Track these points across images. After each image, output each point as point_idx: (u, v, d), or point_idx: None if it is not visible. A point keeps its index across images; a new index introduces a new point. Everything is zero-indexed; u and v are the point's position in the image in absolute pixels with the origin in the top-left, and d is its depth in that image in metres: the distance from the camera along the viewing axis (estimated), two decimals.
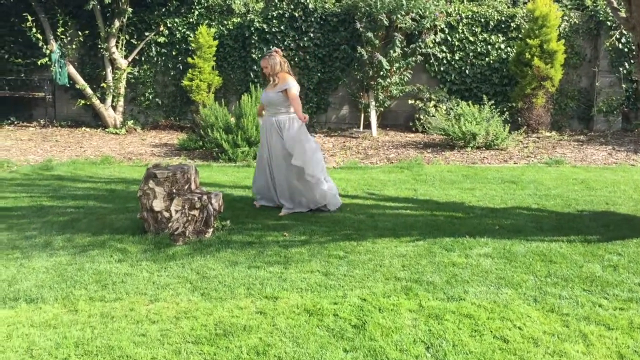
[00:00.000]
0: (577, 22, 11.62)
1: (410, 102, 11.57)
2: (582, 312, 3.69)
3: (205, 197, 5.07)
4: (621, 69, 11.47)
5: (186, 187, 5.12)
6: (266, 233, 5.16)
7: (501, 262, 4.45)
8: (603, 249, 4.74)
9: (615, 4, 5.35)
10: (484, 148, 9.74)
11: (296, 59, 11.64)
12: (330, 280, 4.15)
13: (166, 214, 4.95)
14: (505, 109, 10.97)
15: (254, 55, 11.62)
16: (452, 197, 6.56)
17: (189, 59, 11.45)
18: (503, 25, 11.64)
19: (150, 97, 12.26)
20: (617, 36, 11.36)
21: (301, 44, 11.60)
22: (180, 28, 11.98)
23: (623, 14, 5.36)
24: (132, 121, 12.05)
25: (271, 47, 11.55)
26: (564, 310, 3.72)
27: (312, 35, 11.59)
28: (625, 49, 11.38)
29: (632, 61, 11.41)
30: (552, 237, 5.07)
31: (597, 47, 11.62)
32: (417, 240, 4.97)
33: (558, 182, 7.38)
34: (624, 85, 11.52)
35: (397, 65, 11.18)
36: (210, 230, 5.07)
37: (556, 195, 6.67)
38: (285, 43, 11.60)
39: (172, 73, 12.15)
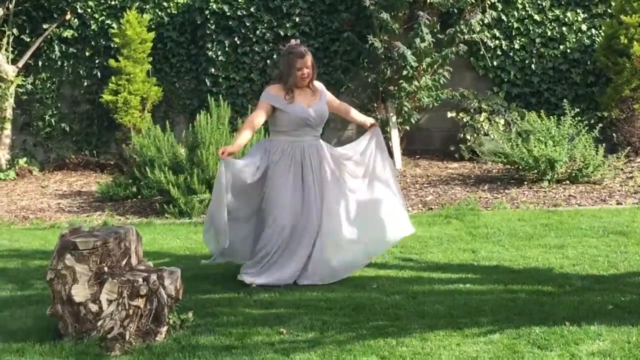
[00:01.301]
0: None
1: (450, 114, 11.50)
2: None
3: (154, 277, 4.88)
4: None
5: (124, 262, 4.95)
6: (252, 330, 4.98)
7: None
8: None
9: None
10: (567, 182, 9.64)
11: (275, 56, 11.56)
12: None
13: (94, 307, 4.76)
14: (592, 121, 10.90)
15: (210, 53, 11.57)
16: (532, 261, 6.44)
17: (112, 62, 11.36)
18: None
19: (53, 121, 12.12)
20: None
21: (282, 33, 11.54)
22: (96, 15, 11.92)
23: None
24: (25, 159, 11.91)
25: (246, 38, 11.49)
26: None
27: (297, 19, 11.56)
28: None
29: None
30: None
31: None
32: (489, 332, 4.80)
33: None
34: None
35: (427, 60, 11.14)
36: (164, 329, 4.88)
37: None
38: (259, 32, 11.53)
39: (85, 84, 12.05)
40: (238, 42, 11.59)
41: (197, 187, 8.86)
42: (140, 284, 4.79)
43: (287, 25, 11.56)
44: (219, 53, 11.56)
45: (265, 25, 11.57)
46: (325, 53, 11.75)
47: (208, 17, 11.59)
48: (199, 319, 5.16)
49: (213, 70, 11.60)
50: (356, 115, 6.55)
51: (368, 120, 6.47)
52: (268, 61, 11.57)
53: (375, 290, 5.78)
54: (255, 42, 11.57)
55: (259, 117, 6.02)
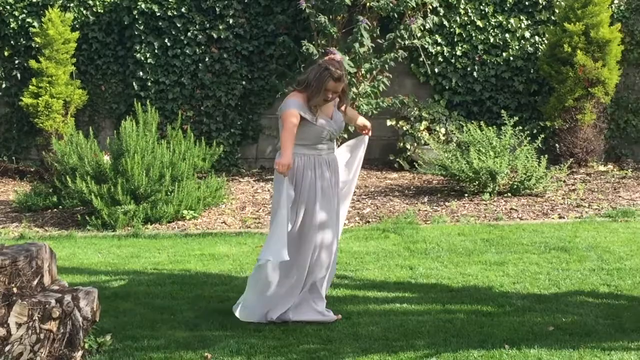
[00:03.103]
0: None
1: (389, 123, 11.51)
2: None
3: (68, 298, 4.75)
4: None
5: (35, 282, 4.81)
6: (174, 354, 4.92)
7: None
8: None
9: None
10: (509, 194, 9.72)
11: (207, 60, 11.47)
12: None
13: (1, 331, 4.60)
14: (535, 131, 11.02)
15: (138, 55, 11.44)
16: (471, 279, 6.47)
17: (32, 63, 11.18)
18: (527, 3, 11.81)
19: None
20: None
21: (215, 36, 11.47)
22: (16, 13, 11.68)
23: None
24: None
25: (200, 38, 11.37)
26: None
27: (231, 21, 11.50)
28: None
29: None
30: None
31: None
32: (426, 356, 4.79)
33: (632, 247, 7.39)
34: None
35: (367, 66, 11.14)
36: (79, 354, 4.77)
37: (633, 269, 6.65)
38: (190, 34, 11.45)
39: (3, 85, 11.84)
40: (168, 44, 11.47)
41: (121, 198, 8.78)
42: (53, 305, 4.66)
43: (221, 27, 11.48)
44: (148, 55, 11.43)
45: (197, 26, 11.47)
46: (260, 57, 11.70)
47: (136, 17, 11.44)
48: (118, 342, 5.08)
49: (141, 73, 11.46)
50: (359, 117, 6.07)
51: (367, 124, 6.03)
52: (200, 64, 11.47)
53: None
54: (187, 44, 11.46)
55: (295, 126, 5.48)
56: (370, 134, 6.09)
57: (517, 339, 5.02)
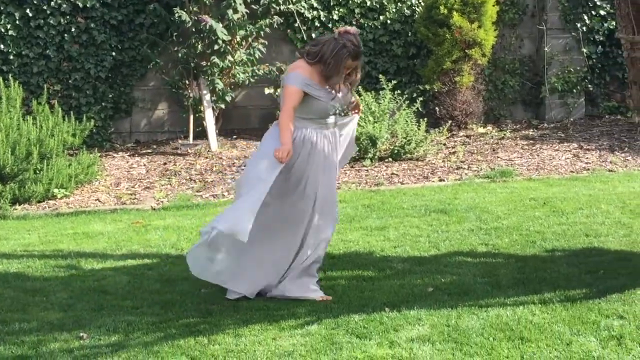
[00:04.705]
0: None
1: (267, 91, 11.53)
2: None
3: None
4: (579, 24, 12.22)
5: None
6: (48, 336, 4.84)
7: (448, 350, 4.45)
8: (596, 310, 4.89)
9: None
10: (390, 159, 9.95)
11: (73, 30, 11.22)
12: None
13: None
14: (415, 95, 11.25)
15: None
16: (353, 245, 6.60)
17: None
18: None
19: None
20: None
21: (80, 4, 11.19)
22: None
23: None
24: None
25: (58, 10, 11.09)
26: None
27: None
28: None
29: (592, 12, 12.18)
30: (516, 297, 5.17)
31: None
32: (307, 324, 4.87)
33: (510, 206, 7.70)
34: (584, 50, 12.28)
35: (241, 33, 11.13)
36: None
37: (510, 227, 6.94)
38: (54, 4, 11.13)
39: None
40: (30, 15, 11.11)
41: None
42: None
43: None
44: (9, 27, 11.03)
45: None
46: (130, 26, 11.49)
47: None
48: None
49: (2, 46, 11.08)
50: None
51: (359, 103, 5.90)
52: (66, 35, 11.19)
53: (186, 283, 5.73)
54: (50, 14, 11.13)
55: (295, 107, 5.39)
56: (360, 114, 5.97)
57: (397, 301, 5.17)
